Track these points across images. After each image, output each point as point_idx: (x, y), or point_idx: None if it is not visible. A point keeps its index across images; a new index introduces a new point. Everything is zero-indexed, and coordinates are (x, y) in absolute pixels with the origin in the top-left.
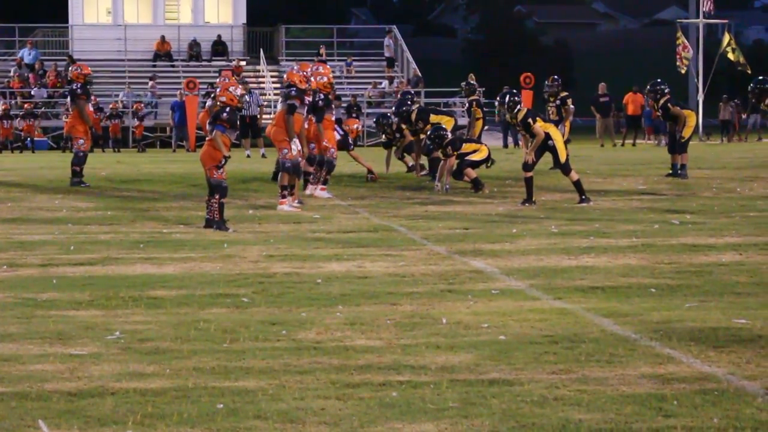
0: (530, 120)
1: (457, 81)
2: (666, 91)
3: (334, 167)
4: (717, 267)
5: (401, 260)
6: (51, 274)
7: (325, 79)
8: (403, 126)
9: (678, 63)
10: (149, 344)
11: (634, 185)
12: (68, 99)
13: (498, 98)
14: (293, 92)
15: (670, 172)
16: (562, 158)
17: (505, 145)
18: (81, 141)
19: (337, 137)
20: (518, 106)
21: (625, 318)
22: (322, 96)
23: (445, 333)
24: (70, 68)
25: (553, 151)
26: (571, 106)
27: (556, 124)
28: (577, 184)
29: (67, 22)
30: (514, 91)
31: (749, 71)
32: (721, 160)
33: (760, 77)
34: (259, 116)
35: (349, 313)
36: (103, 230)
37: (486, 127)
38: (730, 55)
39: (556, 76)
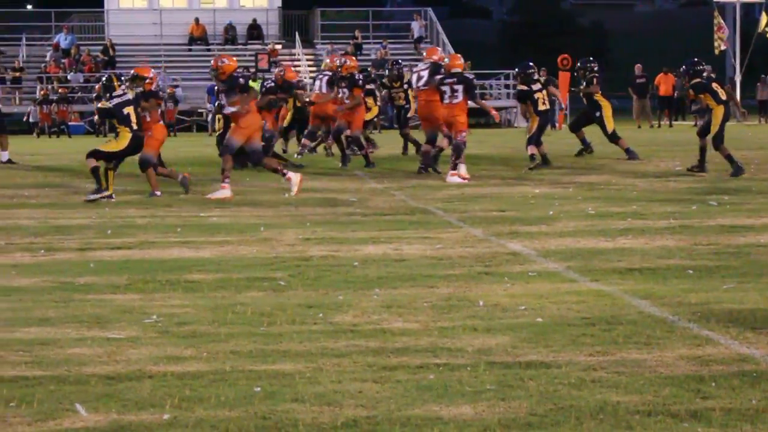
0: None
1: (491, 63)
2: (702, 72)
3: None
4: (755, 248)
5: (438, 243)
6: (88, 258)
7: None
8: None
9: (716, 44)
10: (186, 328)
11: (672, 166)
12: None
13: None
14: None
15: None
16: None
17: (553, 126)
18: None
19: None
20: None
21: (663, 300)
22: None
23: (482, 315)
24: (276, 70)
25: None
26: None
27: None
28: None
29: (102, 6)
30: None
31: None
32: (759, 140)
33: None
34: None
35: (386, 295)
36: (140, 214)
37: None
38: None
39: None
